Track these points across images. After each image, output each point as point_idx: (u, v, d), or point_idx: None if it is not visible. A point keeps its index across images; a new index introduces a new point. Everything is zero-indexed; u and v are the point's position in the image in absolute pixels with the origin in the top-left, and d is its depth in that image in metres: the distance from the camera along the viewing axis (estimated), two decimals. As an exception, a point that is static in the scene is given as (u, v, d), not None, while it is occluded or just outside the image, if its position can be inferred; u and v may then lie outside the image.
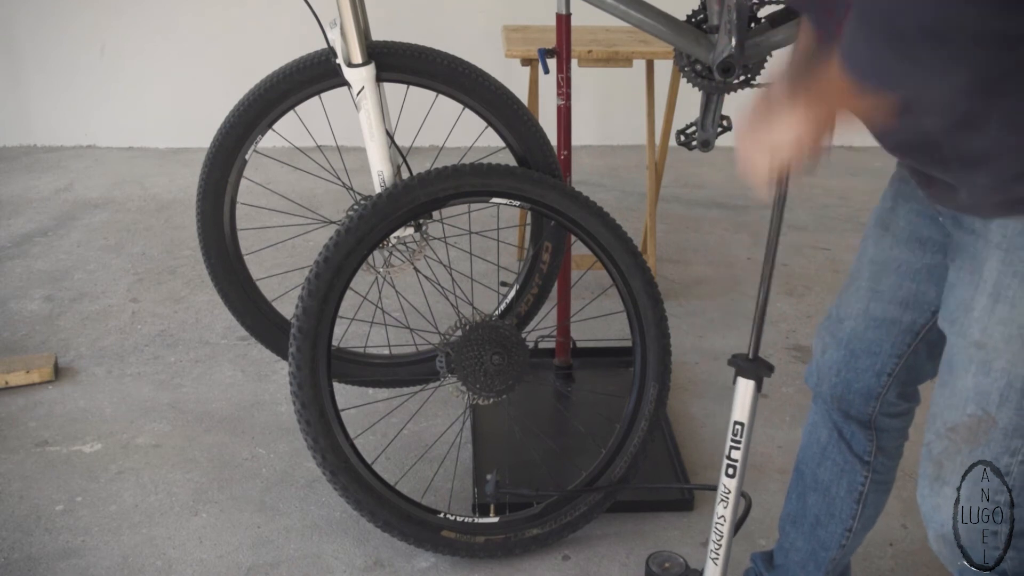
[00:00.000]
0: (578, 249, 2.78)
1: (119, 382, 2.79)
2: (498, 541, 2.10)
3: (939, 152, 1.28)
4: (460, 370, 2.07)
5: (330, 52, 2.14)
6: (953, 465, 1.37)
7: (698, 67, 2.53)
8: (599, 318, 2.71)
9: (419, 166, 2.19)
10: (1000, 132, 1.19)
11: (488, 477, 2.08)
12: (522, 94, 2.58)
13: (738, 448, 1.60)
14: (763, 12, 2.39)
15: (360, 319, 2.60)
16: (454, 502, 2.28)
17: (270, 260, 3.29)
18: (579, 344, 2.76)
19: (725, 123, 2.71)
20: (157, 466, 2.44)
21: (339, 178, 2.46)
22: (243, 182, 2.38)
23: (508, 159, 2.19)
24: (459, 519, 2.09)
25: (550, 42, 2.49)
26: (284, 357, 2.45)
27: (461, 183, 2.03)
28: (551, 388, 2.72)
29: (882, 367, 1.58)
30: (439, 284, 2.36)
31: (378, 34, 2.23)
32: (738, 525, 1.88)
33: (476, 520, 2.11)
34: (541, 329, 2.51)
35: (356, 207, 2.20)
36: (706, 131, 2.69)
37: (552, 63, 2.47)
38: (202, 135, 2.65)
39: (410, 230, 2.14)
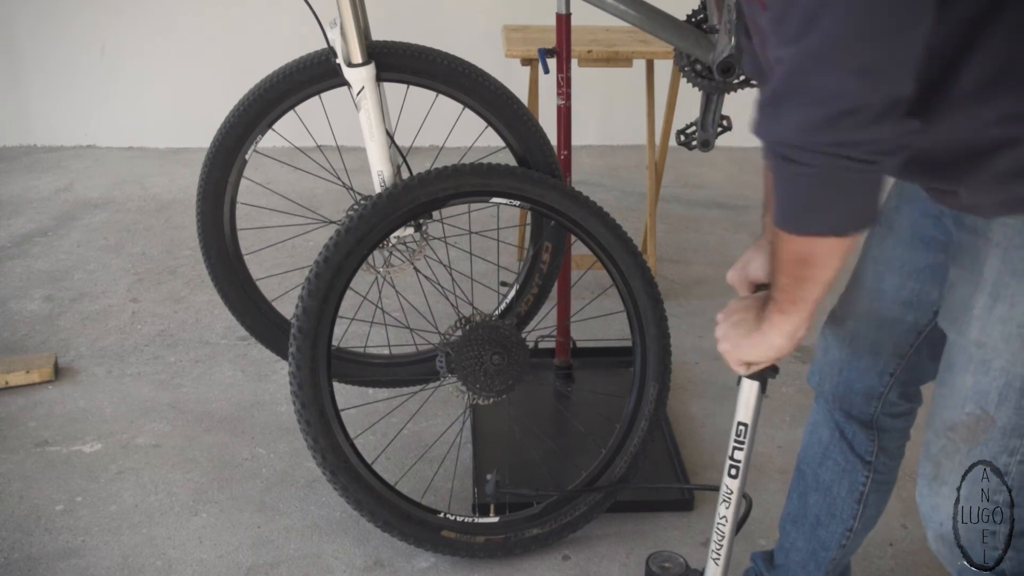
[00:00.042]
0: (578, 249, 2.78)
1: (119, 382, 2.79)
2: (498, 541, 2.10)
3: (936, 162, 1.28)
4: (460, 370, 2.07)
5: (330, 52, 2.14)
6: (952, 464, 1.37)
7: (698, 67, 2.53)
8: (599, 318, 2.71)
9: (419, 166, 2.19)
10: (996, 130, 1.18)
11: (488, 477, 2.08)
12: (522, 94, 2.58)
13: (741, 449, 1.59)
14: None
15: (360, 319, 2.60)
16: (454, 502, 2.28)
17: (270, 260, 3.29)
18: (579, 344, 2.76)
19: (725, 123, 2.71)
20: (157, 466, 2.44)
21: (339, 178, 2.46)
22: (243, 182, 2.38)
23: (508, 159, 2.19)
24: (459, 519, 2.09)
25: (550, 42, 2.49)
26: (284, 357, 2.45)
27: (461, 183, 2.03)
28: (551, 388, 2.72)
29: (884, 367, 1.58)
30: (439, 284, 2.36)
31: (378, 34, 2.23)
32: (739, 525, 1.88)
33: (476, 520, 2.11)
34: (541, 329, 2.51)
35: (356, 207, 2.20)
36: (706, 131, 2.69)
37: (552, 63, 2.47)
38: (202, 135, 2.65)
39: (410, 230, 2.14)
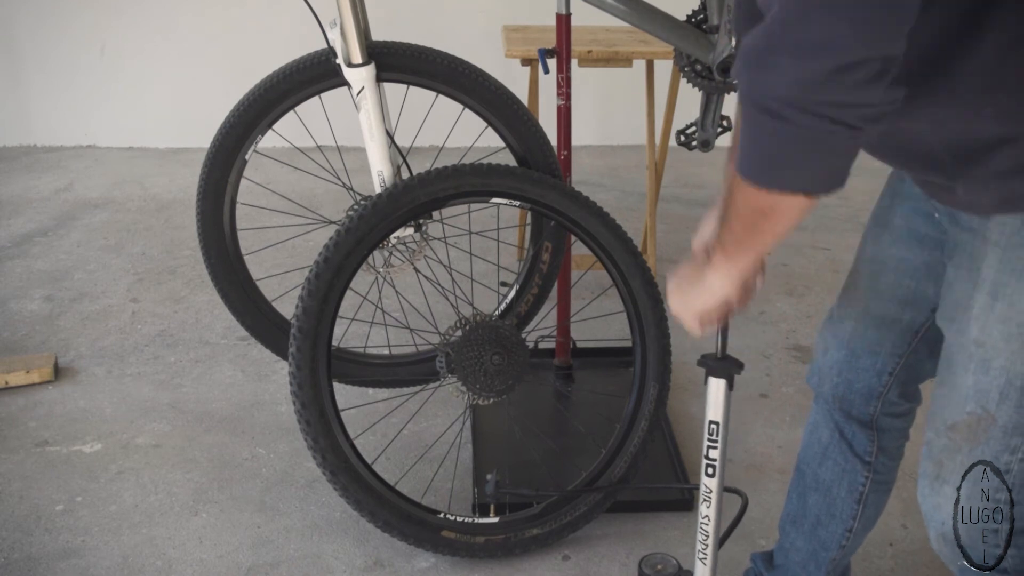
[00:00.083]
0: (578, 249, 2.78)
1: (119, 382, 2.79)
2: (498, 541, 2.10)
3: (935, 156, 1.28)
4: (460, 370, 2.07)
5: (330, 52, 2.14)
6: (953, 464, 1.37)
7: (698, 67, 2.54)
8: (599, 318, 2.71)
9: (419, 166, 2.19)
10: (995, 126, 1.18)
11: (488, 477, 2.08)
12: (522, 94, 2.58)
13: (715, 447, 1.60)
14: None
15: (360, 319, 2.60)
16: (454, 502, 2.28)
17: (270, 260, 3.29)
18: (579, 344, 2.76)
19: (725, 123, 2.71)
20: (157, 466, 2.44)
21: (339, 178, 2.46)
22: (243, 182, 2.38)
23: (508, 159, 2.19)
24: (459, 519, 2.09)
25: (550, 42, 2.49)
26: (284, 357, 2.45)
27: (461, 183, 2.03)
28: (551, 388, 2.72)
29: (883, 366, 1.58)
30: (439, 284, 2.36)
31: (378, 34, 2.23)
32: (735, 524, 1.88)
33: (476, 520, 2.11)
34: (541, 329, 2.51)
35: (356, 207, 2.20)
36: (706, 131, 2.69)
37: (552, 63, 2.47)
38: (202, 135, 2.65)
39: (410, 230, 2.14)
